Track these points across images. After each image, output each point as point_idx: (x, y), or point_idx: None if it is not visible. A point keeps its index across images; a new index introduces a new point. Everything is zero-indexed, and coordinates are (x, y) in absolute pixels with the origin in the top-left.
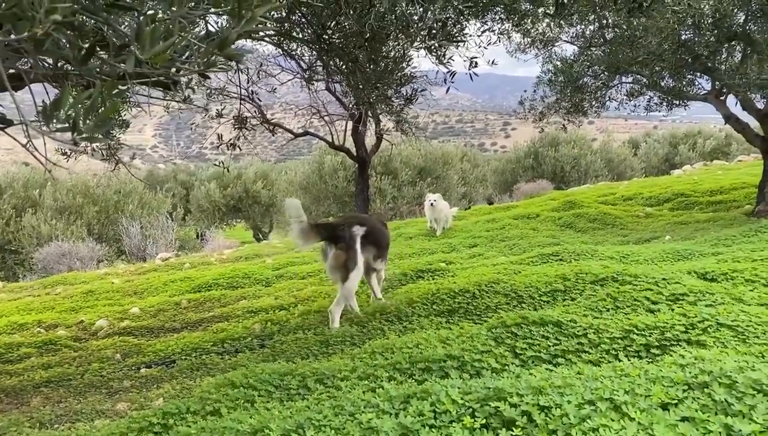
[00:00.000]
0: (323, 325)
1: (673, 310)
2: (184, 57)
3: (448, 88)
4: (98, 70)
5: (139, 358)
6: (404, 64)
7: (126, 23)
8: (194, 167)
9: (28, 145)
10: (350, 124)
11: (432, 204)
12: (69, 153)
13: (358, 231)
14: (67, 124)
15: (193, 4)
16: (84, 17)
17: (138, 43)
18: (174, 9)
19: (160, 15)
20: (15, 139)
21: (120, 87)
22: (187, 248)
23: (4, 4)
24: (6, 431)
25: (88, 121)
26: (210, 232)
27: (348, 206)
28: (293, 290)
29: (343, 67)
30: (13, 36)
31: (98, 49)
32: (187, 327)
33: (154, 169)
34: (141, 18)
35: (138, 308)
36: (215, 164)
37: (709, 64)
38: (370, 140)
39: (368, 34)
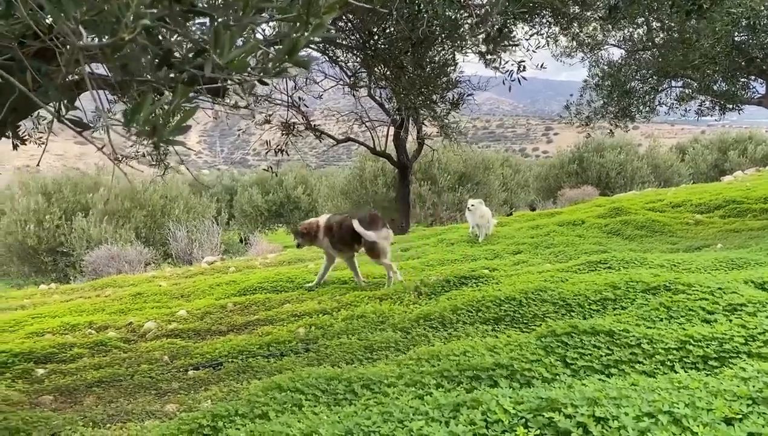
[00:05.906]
0: (367, 330)
1: (731, 320)
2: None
3: (510, 87)
4: (170, 76)
5: (186, 360)
6: (450, 69)
7: (196, 30)
8: (237, 173)
9: (104, 149)
10: (392, 130)
11: (469, 209)
12: (120, 158)
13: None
14: (146, 129)
15: (254, 11)
16: (160, 24)
17: (216, 48)
18: (244, 15)
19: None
20: (91, 141)
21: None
22: (232, 252)
23: (84, 9)
24: (61, 430)
25: (168, 126)
26: (253, 236)
27: (387, 212)
28: (335, 294)
29: (388, 72)
30: (93, 40)
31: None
32: (233, 330)
33: (199, 174)
34: (216, 24)
35: (185, 311)
36: (264, 169)
37: (764, 67)
38: (410, 146)
39: (415, 40)
